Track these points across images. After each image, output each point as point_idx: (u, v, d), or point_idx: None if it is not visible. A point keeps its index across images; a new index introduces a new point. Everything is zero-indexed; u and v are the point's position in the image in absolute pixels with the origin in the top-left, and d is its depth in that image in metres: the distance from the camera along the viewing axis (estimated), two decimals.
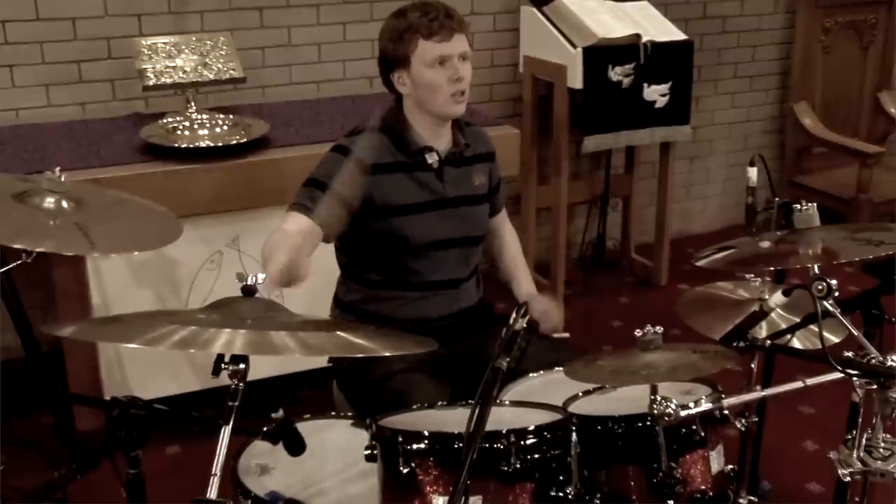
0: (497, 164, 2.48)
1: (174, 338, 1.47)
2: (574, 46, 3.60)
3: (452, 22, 2.19)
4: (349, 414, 2.17)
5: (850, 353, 1.69)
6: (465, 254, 2.37)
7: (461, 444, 1.61)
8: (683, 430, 1.90)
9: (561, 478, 1.77)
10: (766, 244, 1.94)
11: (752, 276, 2.24)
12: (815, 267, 1.74)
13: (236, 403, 1.55)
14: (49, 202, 1.97)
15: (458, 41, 2.20)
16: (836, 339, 2.08)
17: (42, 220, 1.93)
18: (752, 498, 2.19)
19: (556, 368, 2.13)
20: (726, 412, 1.96)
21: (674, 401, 1.73)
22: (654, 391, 1.75)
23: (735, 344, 1.92)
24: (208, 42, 3.17)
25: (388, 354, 1.63)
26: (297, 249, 1.86)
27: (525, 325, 1.56)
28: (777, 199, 2.08)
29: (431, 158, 2.29)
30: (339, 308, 2.40)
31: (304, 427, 1.77)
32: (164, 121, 3.06)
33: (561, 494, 1.75)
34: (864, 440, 1.70)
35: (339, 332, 1.68)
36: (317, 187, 2.16)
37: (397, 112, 2.30)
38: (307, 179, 2.24)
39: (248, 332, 1.52)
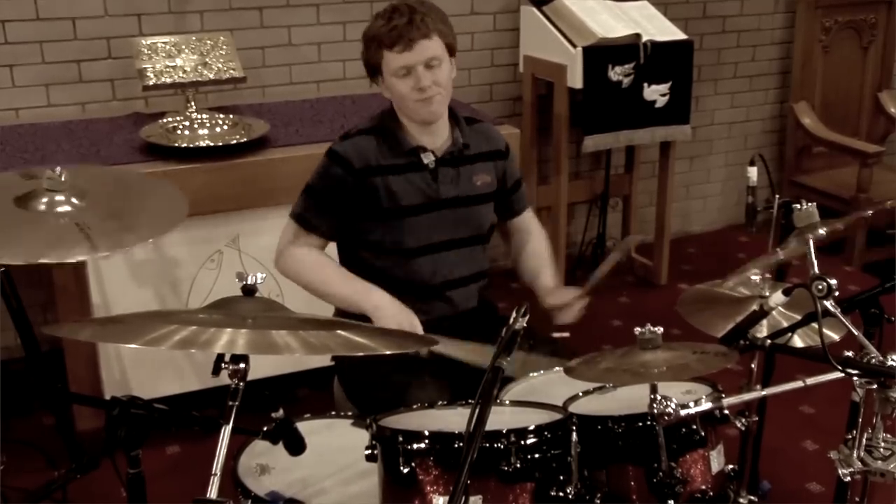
0: (512, 163, 2.44)
1: (175, 338, 1.47)
2: (574, 46, 3.59)
3: (412, 30, 2.12)
4: (349, 414, 2.17)
5: (850, 353, 1.69)
6: (466, 254, 2.35)
7: (461, 444, 1.62)
8: (683, 429, 1.90)
9: (561, 477, 1.77)
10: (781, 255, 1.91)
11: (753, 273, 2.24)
12: (815, 267, 1.74)
13: (236, 403, 1.55)
14: (48, 204, 1.99)
15: (421, 49, 2.14)
16: (836, 337, 2.08)
17: (40, 229, 1.96)
18: (752, 498, 2.19)
19: (556, 368, 2.13)
20: (726, 412, 1.96)
21: (674, 400, 1.72)
22: (653, 391, 1.75)
23: (735, 343, 1.92)
24: (208, 42, 3.17)
25: (388, 353, 1.62)
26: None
27: (525, 325, 1.56)
28: (778, 197, 2.09)
29: (427, 159, 2.27)
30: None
31: (304, 427, 1.77)
32: (164, 120, 3.06)
33: (561, 494, 1.76)
34: (864, 440, 1.69)
35: (339, 332, 1.68)
36: (315, 198, 2.25)
37: (392, 112, 2.30)
38: (307, 187, 2.28)
39: (249, 331, 1.52)
